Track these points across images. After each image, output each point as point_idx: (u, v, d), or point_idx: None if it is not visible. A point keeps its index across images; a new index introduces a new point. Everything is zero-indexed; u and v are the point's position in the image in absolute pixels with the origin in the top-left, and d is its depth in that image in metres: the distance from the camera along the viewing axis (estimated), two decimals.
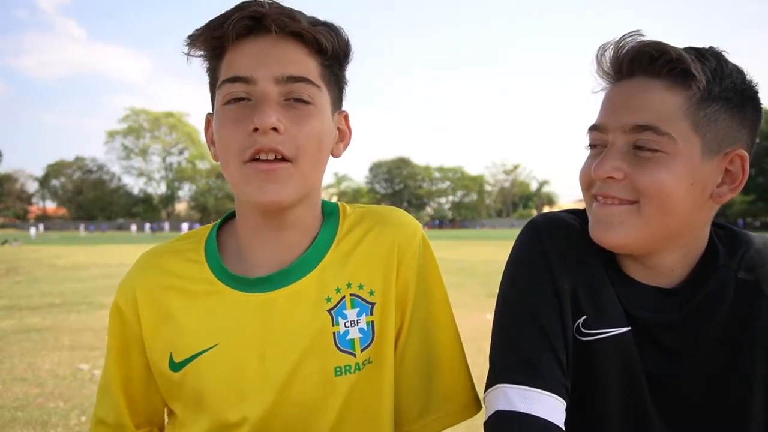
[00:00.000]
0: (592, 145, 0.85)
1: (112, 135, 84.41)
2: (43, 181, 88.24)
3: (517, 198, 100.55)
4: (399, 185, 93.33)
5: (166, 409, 0.93)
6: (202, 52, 0.83)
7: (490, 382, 0.82)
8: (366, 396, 0.85)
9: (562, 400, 0.78)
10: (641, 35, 0.80)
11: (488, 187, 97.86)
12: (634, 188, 0.78)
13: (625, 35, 0.81)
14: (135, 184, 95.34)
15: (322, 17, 0.84)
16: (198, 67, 0.85)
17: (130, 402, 0.91)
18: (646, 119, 0.77)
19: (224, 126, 0.79)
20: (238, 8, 0.78)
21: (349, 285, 0.86)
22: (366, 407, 0.85)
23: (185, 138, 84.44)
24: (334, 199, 1.02)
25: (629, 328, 0.82)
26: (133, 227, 65.58)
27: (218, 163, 0.83)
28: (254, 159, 0.77)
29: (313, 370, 0.83)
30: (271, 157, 0.77)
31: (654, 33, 0.78)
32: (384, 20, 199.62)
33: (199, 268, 0.88)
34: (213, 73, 0.84)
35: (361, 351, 0.85)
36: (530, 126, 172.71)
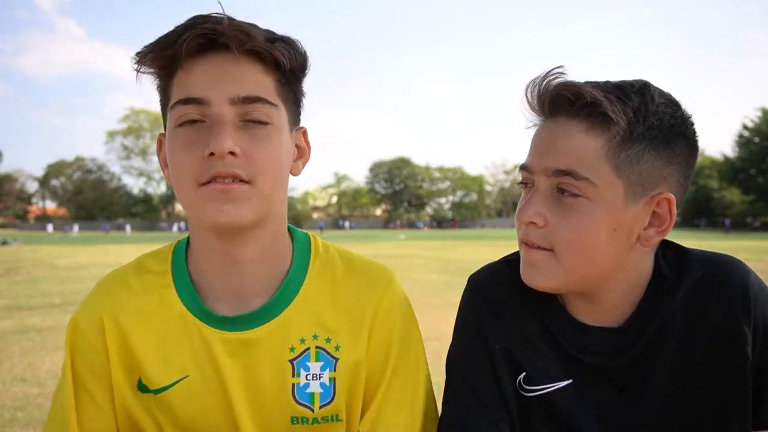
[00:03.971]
0: (523, 183, 0.83)
1: (112, 135, 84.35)
2: (43, 181, 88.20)
3: (517, 198, 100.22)
4: (399, 185, 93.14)
5: None
6: (151, 71, 0.79)
7: None
8: None
9: None
10: (563, 74, 0.78)
11: (488, 187, 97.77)
12: (554, 236, 0.77)
13: (548, 73, 0.78)
14: (135, 184, 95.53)
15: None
16: None
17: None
18: (566, 164, 0.75)
19: (177, 150, 0.76)
20: (191, 25, 0.74)
21: (315, 337, 0.82)
22: None
23: None
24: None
25: (569, 381, 0.82)
26: (128, 227, 64.77)
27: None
28: (210, 181, 0.75)
29: (271, 415, 0.80)
30: (229, 180, 0.74)
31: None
32: (384, 20, 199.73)
33: (168, 295, 0.83)
34: (164, 92, 0.80)
35: (320, 407, 0.81)
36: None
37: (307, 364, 0.81)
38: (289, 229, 0.90)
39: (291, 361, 0.81)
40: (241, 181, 0.74)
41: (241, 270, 0.82)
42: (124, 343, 0.82)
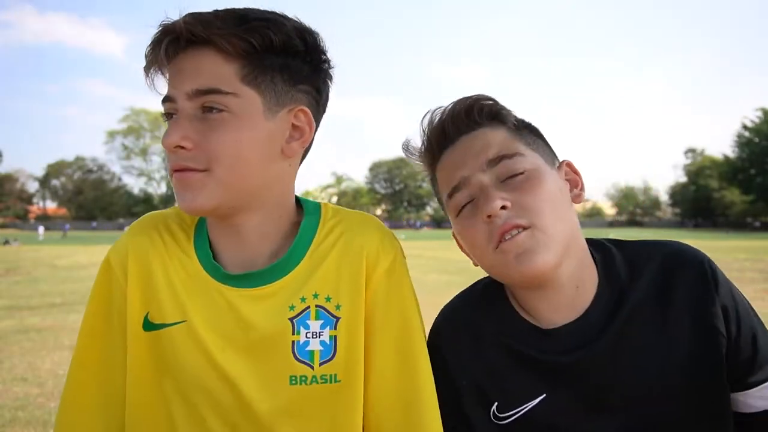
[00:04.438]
0: (463, 207, 0.88)
1: (112, 135, 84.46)
2: (44, 181, 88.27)
3: None
4: (399, 185, 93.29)
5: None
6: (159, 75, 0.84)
7: None
8: (332, 415, 0.83)
9: None
10: (443, 108, 0.91)
11: None
12: (526, 210, 0.82)
13: (430, 118, 0.92)
14: (135, 184, 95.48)
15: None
16: None
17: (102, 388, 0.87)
18: (494, 153, 0.84)
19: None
20: (160, 32, 0.79)
21: (315, 296, 0.84)
22: (334, 427, 0.83)
23: None
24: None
25: (543, 396, 0.84)
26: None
27: None
28: (175, 170, 0.80)
29: (268, 375, 0.82)
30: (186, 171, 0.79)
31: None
32: (385, 18, 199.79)
33: (186, 246, 0.88)
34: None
35: (320, 364, 0.82)
36: None
37: (307, 322, 0.83)
38: (300, 201, 0.93)
39: (291, 319, 0.83)
40: (194, 170, 0.78)
41: (245, 240, 0.86)
42: (141, 277, 0.87)
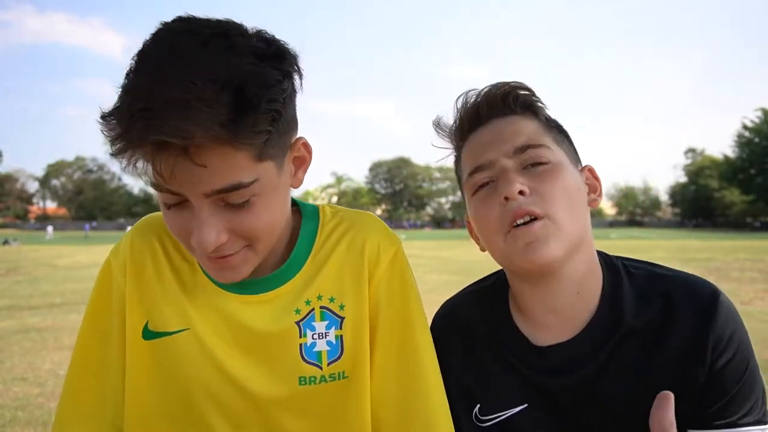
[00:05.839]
0: (483, 186, 0.87)
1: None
2: (44, 181, 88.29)
3: None
4: (399, 185, 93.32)
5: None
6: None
7: None
8: (341, 411, 0.83)
9: None
10: (475, 89, 0.93)
11: None
12: (542, 202, 0.82)
13: (467, 94, 0.93)
14: (135, 184, 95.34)
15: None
16: None
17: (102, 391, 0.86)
18: (522, 141, 0.85)
19: None
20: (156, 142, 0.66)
21: (319, 297, 0.84)
22: (342, 423, 0.84)
23: None
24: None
25: (524, 405, 0.85)
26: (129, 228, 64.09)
27: None
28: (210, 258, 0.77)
29: (276, 376, 0.82)
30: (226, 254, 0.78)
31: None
32: (385, 18, 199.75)
33: (187, 252, 0.85)
34: None
35: (328, 364, 0.83)
36: None
37: (313, 324, 0.83)
38: (299, 205, 0.93)
39: (297, 323, 0.83)
40: (234, 254, 0.75)
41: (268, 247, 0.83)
42: (140, 284, 0.85)
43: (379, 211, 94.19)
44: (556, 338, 0.86)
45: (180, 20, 0.70)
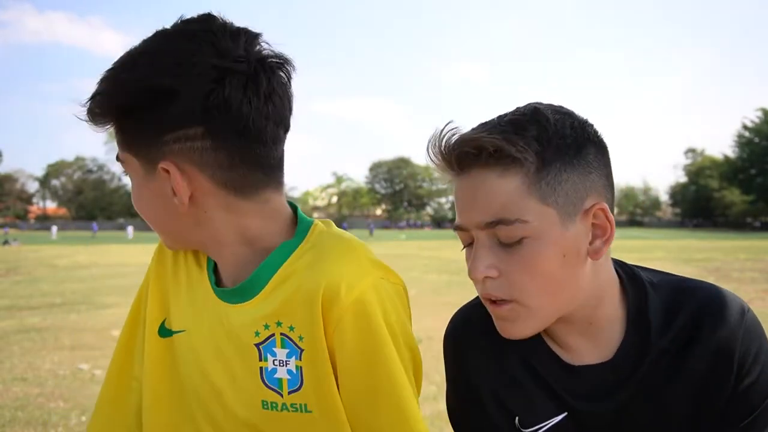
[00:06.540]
0: (465, 243, 0.83)
1: (112, 135, 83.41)
2: (44, 181, 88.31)
3: None
4: (399, 185, 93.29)
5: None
6: None
7: None
8: None
9: None
10: (457, 127, 0.78)
11: None
12: (512, 286, 0.76)
13: (442, 133, 0.78)
14: None
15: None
16: None
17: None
18: (493, 214, 0.74)
19: None
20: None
21: (279, 324, 0.79)
22: None
23: None
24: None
25: (565, 414, 0.83)
26: (129, 229, 62.95)
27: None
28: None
29: (244, 396, 0.81)
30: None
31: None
32: (386, 18, 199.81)
33: (201, 254, 0.90)
34: None
35: (289, 393, 0.79)
36: None
37: (274, 349, 0.79)
38: (299, 217, 0.89)
39: (257, 345, 0.80)
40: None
41: (223, 255, 0.85)
42: (162, 282, 0.91)
43: (379, 211, 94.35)
44: (586, 359, 0.83)
45: None
